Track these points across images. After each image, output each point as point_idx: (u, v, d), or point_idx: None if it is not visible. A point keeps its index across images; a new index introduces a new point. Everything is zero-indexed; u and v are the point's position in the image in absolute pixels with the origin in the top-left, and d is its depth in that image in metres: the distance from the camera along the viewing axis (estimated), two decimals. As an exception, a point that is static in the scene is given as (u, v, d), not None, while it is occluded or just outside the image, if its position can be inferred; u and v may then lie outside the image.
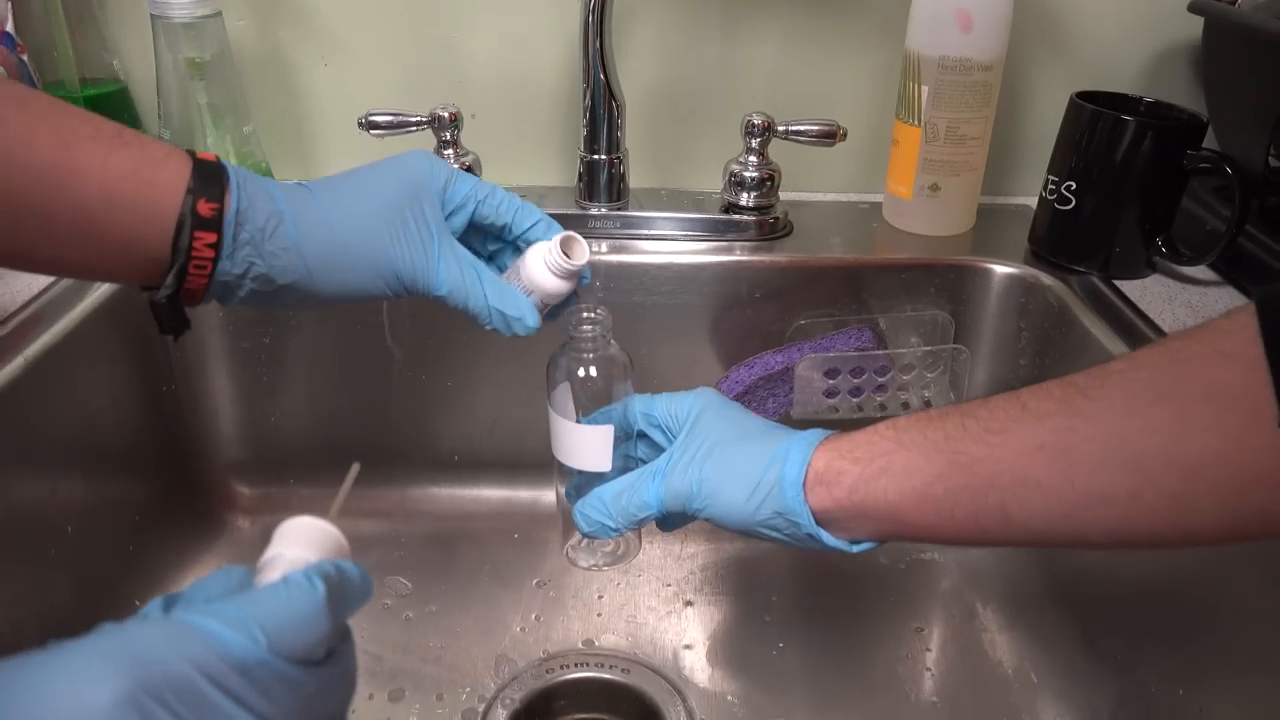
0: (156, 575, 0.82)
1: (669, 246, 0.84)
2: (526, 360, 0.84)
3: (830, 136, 0.83)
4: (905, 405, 0.86)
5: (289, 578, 0.32)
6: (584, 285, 0.57)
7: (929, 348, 0.85)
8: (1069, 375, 0.47)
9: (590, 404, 0.59)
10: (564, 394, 0.58)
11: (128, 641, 0.28)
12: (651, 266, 0.83)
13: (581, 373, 0.58)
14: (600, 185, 0.86)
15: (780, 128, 0.83)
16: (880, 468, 0.50)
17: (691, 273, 0.83)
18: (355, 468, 0.42)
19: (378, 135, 0.82)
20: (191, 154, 0.48)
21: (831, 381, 0.84)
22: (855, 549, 0.52)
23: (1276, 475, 0.40)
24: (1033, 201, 0.89)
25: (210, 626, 0.29)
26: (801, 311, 0.84)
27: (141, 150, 0.47)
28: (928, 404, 0.86)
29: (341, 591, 0.33)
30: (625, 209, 0.86)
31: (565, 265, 0.54)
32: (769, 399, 0.86)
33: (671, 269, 0.83)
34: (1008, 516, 0.46)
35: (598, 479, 0.59)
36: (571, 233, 0.55)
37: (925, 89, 0.81)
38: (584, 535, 0.59)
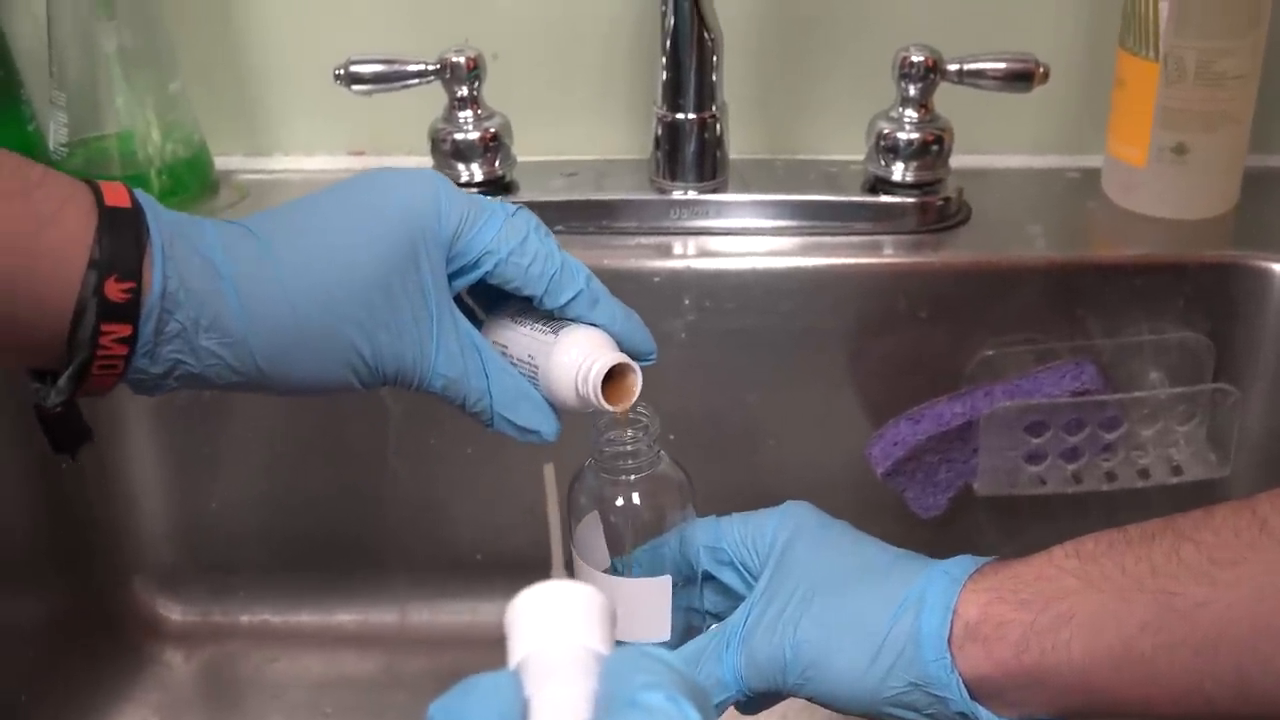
0: (56, 733, 0.72)
1: (787, 244, 0.76)
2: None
3: (1026, 78, 0.72)
4: (1144, 474, 0.75)
5: (649, 703, 0.29)
6: (646, 363, 0.53)
7: (1179, 389, 0.75)
8: None
9: (631, 542, 0.55)
10: (592, 530, 0.54)
11: None
12: (763, 275, 0.75)
13: (620, 501, 0.54)
14: (687, 157, 0.76)
15: (951, 67, 0.73)
16: (1060, 614, 0.46)
17: (822, 282, 0.75)
18: (549, 470, 0.44)
19: (362, 92, 0.72)
20: (95, 191, 0.43)
21: (1036, 440, 0.74)
22: None
23: None
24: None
25: None
26: (987, 337, 0.75)
27: (24, 203, 0.42)
28: (1177, 470, 0.75)
29: (712, 712, 0.33)
30: (723, 190, 0.77)
31: (596, 404, 0.50)
32: (942, 466, 0.75)
33: (793, 278, 0.75)
34: (1245, 684, 0.43)
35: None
36: (622, 359, 0.50)
37: (1165, 5, 0.73)
38: None
